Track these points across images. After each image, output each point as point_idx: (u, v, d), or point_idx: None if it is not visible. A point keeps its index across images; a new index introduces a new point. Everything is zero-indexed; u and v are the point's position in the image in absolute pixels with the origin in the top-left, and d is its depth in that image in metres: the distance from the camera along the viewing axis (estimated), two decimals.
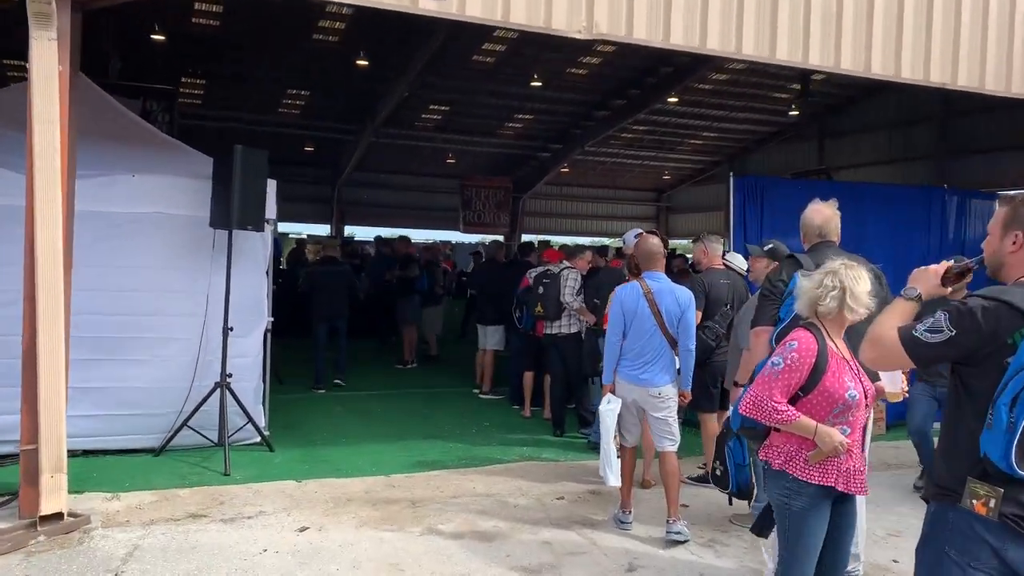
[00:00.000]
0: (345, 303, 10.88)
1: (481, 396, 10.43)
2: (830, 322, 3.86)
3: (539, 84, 25.13)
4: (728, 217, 8.61)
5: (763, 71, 25.53)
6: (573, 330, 8.45)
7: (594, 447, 7.84)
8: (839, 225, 5.05)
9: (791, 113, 28.29)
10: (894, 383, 4.37)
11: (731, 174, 8.51)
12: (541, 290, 8.49)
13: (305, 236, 28.07)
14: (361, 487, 6.57)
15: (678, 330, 5.81)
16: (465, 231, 31.01)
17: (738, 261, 7.69)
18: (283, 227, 31.44)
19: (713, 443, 7.28)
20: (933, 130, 25.64)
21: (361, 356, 12.56)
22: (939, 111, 25.40)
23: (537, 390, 9.36)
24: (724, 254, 8.13)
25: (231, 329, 7.20)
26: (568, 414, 8.76)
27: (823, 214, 4.99)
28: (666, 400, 5.83)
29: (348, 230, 32.94)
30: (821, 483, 3.68)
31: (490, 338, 10.45)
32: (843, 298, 3.77)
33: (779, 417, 3.64)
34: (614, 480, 5.83)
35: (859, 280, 3.81)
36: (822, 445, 3.69)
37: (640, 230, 8.01)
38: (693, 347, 5.89)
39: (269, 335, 7.80)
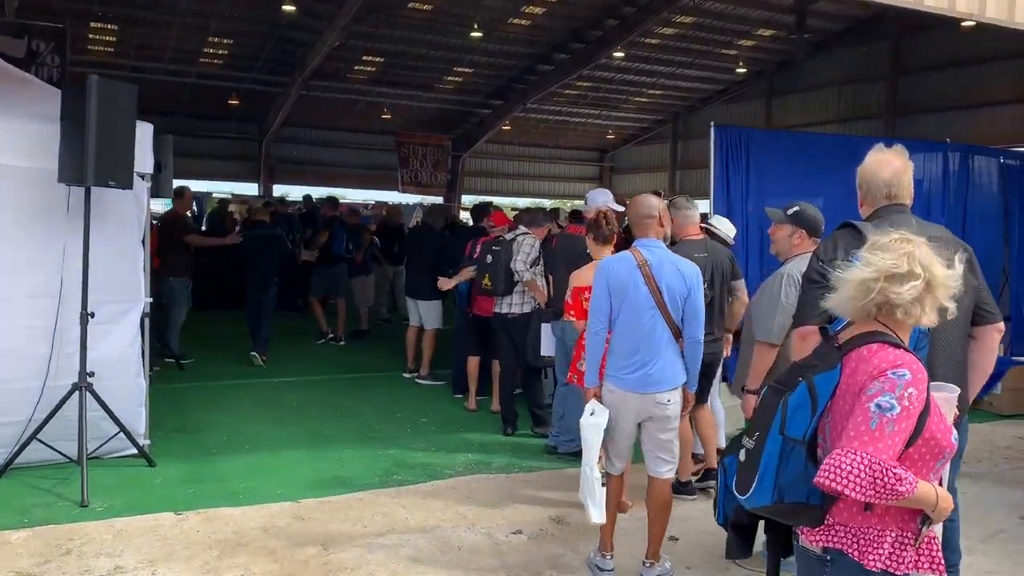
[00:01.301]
0: (273, 272, 9.82)
1: (418, 382, 8.87)
2: (900, 326, 2.46)
3: (479, 35, 23.31)
4: (712, 176, 7.15)
5: (711, 26, 24.15)
6: (526, 309, 6.93)
7: (552, 451, 6.41)
8: (912, 182, 3.60)
9: (739, 70, 27.01)
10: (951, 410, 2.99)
11: (712, 124, 7.06)
12: (489, 259, 6.91)
13: (230, 196, 25.89)
14: (259, 521, 4.99)
15: (683, 315, 4.34)
16: (403, 191, 29.10)
17: (724, 226, 6.26)
18: (207, 186, 29.17)
19: (710, 439, 5.96)
20: (883, 89, 24.63)
21: (284, 333, 10.81)
22: (889, 70, 24.40)
23: (485, 377, 7.83)
24: (707, 218, 6.71)
25: (91, 315, 5.49)
26: (520, 406, 7.27)
27: (892, 166, 3.51)
28: (673, 409, 4.38)
29: (278, 189, 30.78)
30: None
31: (427, 315, 8.86)
32: (924, 291, 2.37)
33: (902, 490, 2.20)
34: (599, 516, 4.38)
35: (943, 264, 2.43)
36: (937, 517, 2.33)
37: (607, 191, 6.53)
38: (702, 336, 4.43)
39: (148, 320, 6.10)
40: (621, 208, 6.46)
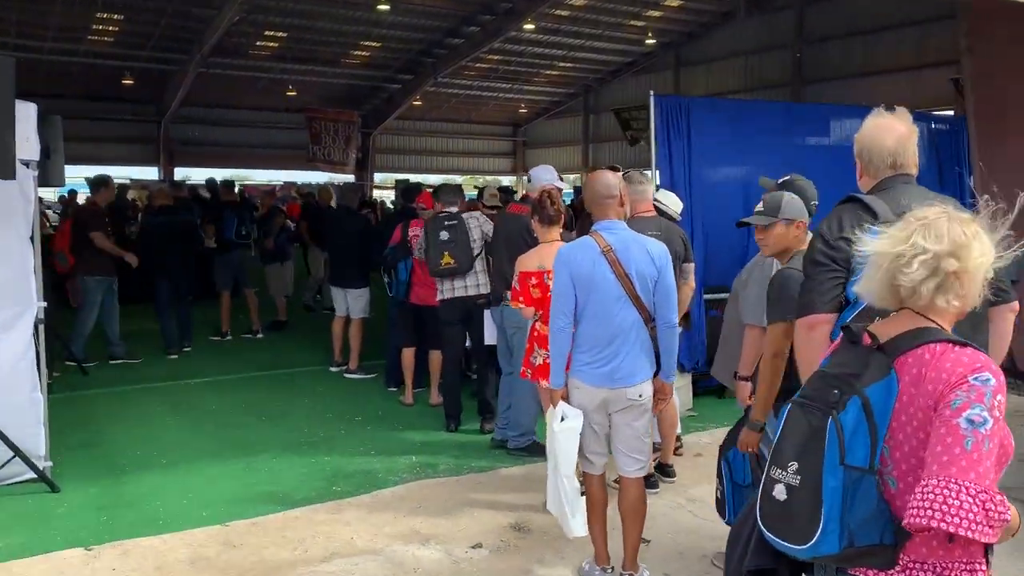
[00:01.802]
0: (187, 259, 9.26)
1: (347, 376, 8.24)
2: (944, 316, 2.08)
3: (386, 8, 22.43)
4: (652, 147, 6.74)
5: None
6: (484, 291, 6.37)
7: (500, 446, 5.95)
8: (917, 150, 3.21)
9: (647, 41, 26.85)
10: None
11: (651, 92, 6.64)
12: (446, 236, 6.21)
13: (128, 181, 24.39)
14: (184, 552, 4.36)
15: (655, 299, 3.90)
16: (318, 168, 27.95)
17: (671, 201, 5.85)
18: (103, 171, 27.50)
19: (668, 434, 5.59)
20: (788, 58, 24.81)
21: (196, 328, 9.90)
22: (794, 39, 24.59)
23: (420, 369, 7.27)
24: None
25: None
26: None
27: (896, 132, 3.09)
28: (646, 404, 3.95)
29: (179, 173, 29.25)
30: None
31: (355, 304, 8.23)
32: (966, 273, 2.02)
33: (1008, 517, 1.81)
34: (580, 528, 3.92)
35: (979, 240, 2.05)
36: (1007, 535, 1.96)
37: (550, 168, 6.03)
38: (676, 321, 4.00)
39: (42, 327, 5.33)
40: (565, 186, 6.00)
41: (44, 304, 5.29)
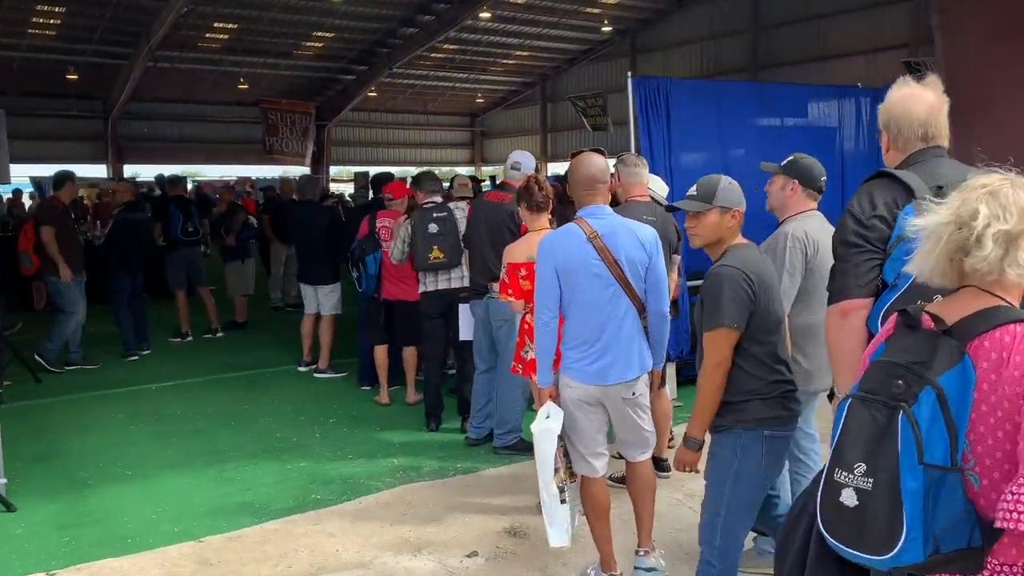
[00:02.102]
0: (145, 257, 9.02)
1: (316, 376, 7.88)
2: (1009, 291, 1.88)
3: None
4: (631, 131, 6.49)
5: None
6: (467, 283, 5.99)
7: (475, 444, 5.68)
8: (947, 121, 3.00)
9: (604, 29, 26.69)
10: None
11: (629, 75, 6.40)
12: (435, 229, 5.86)
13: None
14: (156, 572, 4.00)
15: (645, 287, 3.66)
16: (274, 161, 27.31)
17: (657, 186, 5.62)
18: (49, 170, 26.54)
19: (663, 427, 5.36)
20: (745, 43, 24.84)
21: (153, 328, 9.41)
22: (751, 24, 24.62)
23: (394, 366, 6.96)
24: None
25: None
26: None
27: (926, 101, 2.87)
28: (644, 398, 3.73)
29: (129, 170, 28.38)
30: None
31: (326, 301, 7.87)
32: None
33: None
34: (559, 538, 3.67)
35: None
36: None
37: (528, 154, 5.76)
38: (668, 310, 3.77)
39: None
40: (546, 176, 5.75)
41: None
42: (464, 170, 35.21)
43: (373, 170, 28.96)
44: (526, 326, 4.41)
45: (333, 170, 31.99)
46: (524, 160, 5.59)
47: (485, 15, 23.97)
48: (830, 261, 3.97)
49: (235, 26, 24.00)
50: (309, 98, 28.85)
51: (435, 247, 5.81)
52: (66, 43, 23.21)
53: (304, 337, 8.09)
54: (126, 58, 24.14)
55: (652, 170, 6.36)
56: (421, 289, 6.03)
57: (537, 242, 4.30)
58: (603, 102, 25.44)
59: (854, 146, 7.45)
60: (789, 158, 3.87)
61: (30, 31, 22.11)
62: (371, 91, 28.80)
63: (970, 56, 7.93)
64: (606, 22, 26.10)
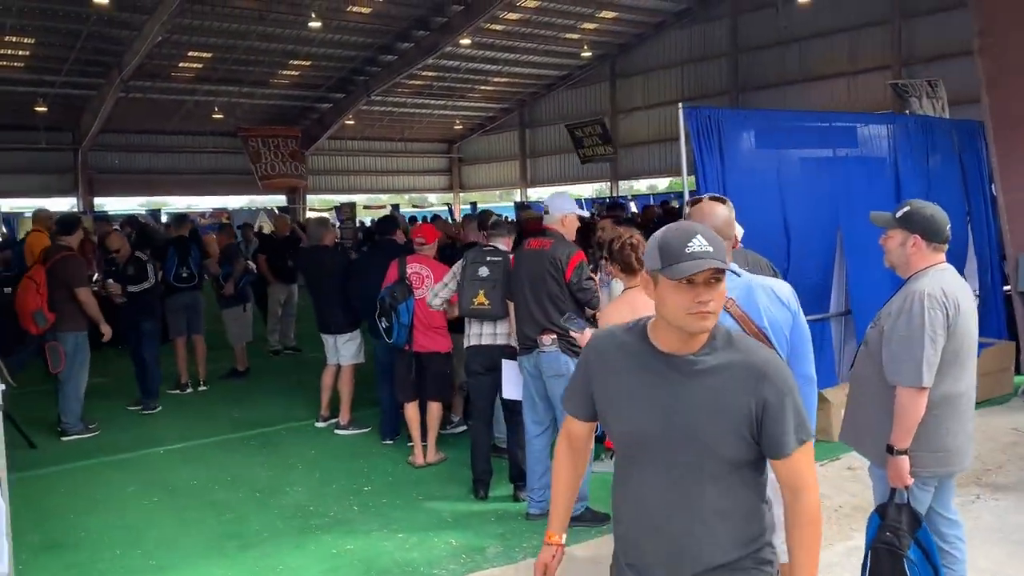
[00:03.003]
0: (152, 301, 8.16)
1: (338, 432, 7.25)
2: None
3: (317, 25, 21.42)
4: (683, 161, 6.01)
5: (555, 10, 23.36)
6: (512, 342, 5.34)
7: (537, 518, 5.07)
8: None
9: (583, 54, 26.44)
10: None
11: (680, 105, 5.91)
12: (485, 273, 5.28)
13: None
14: None
15: (789, 349, 3.14)
16: (265, 189, 26.57)
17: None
18: (14, 204, 25.57)
19: None
20: (725, 67, 24.73)
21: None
22: (730, 47, 24.52)
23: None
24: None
25: None
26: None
27: None
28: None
29: (99, 202, 27.49)
30: None
31: (346, 350, 7.27)
32: None
33: None
34: None
35: None
36: None
37: (567, 195, 5.29)
38: (814, 373, 3.24)
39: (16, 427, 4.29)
40: (586, 214, 5.30)
41: (2, 387, 4.24)
42: (433, 196, 34.70)
43: (347, 199, 28.39)
44: None
45: (311, 199, 31.27)
46: (555, 202, 5.18)
47: (465, 41, 23.58)
48: (973, 321, 3.55)
49: (210, 55, 23.36)
50: (286, 126, 28.24)
51: (481, 292, 5.27)
52: (35, 74, 22.40)
53: (324, 390, 7.45)
54: (96, 88, 23.37)
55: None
56: (467, 344, 5.46)
57: (644, 302, 3.79)
58: (602, 128, 25.14)
59: (909, 174, 7.02)
60: (904, 208, 3.35)
61: None
62: (348, 119, 28.23)
63: (1012, 77, 7.65)
64: (586, 47, 25.86)
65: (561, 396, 4.77)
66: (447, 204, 30.55)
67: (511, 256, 5.34)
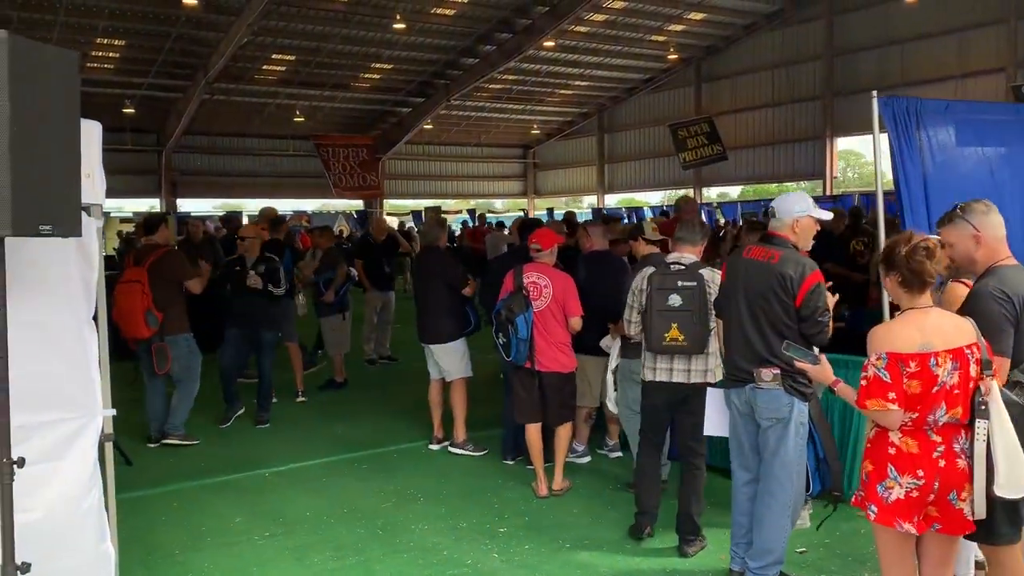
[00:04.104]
0: (268, 305, 7.45)
1: (452, 451, 6.54)
2: None
3: (402, 26, 20.93)
4: (877, 156, 5.13)
5: (643, 11, 22.48)
6: (712, 378, 4.52)
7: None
8: None
9: (669, 57, 25.47)
10: None
11: (875, 94, 5.06)
12: (678, 302, 4.38)
13: (132, 215, 22.60)
14: None
15: None
16: (338, 195, 26.28)
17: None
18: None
19: None
20: (820, 69, 23.51)
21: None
22: (825, 49, 23.30)
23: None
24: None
25: (18, 463, 2.99)
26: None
27: None
28: None
29: (183, 204, 27.50)
30: None
31: (449, 363, 6.54)
32: None
33: None
34: None
35: None
36: None
37: (792, 195, 4.28)
38: None
39: (113, 443, 3.66)
40: (828, 216, 4.33)
41: (113, 412, 3.59)
42: (504, 203, 33.91)
43: (428, 203, 27.87)
44: (891, 449, 3.00)
45: (390, 203, 30.89)
46: (785, 203, 4.09)
47: (549, 44, 22.85)
48: None
49: (293, 58, 23.10)
50: (364, 131, 27.90)
51: (674, 326, 4.39)
52: (123, 76, 22.40)
53: (433, 408, 6.74)
54: (182, 91, 23.31)
55: (908, 201, 5.02)
56: (648, 376, 4.61)
57: (936, 324, 2.95)
58: (710, 127, 24.04)
59: None
60: None
61: (88, 64, 21.26)
62: (427, 123, 27.73)
63: None
64: (672, 49, 24.89)
65: (776, 450, 3.92)
66: (522, 210, 29.77)
67: (722, 264, 4.40)
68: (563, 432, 5.68)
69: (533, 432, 5.73)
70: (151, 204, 28.51)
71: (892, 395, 2.89)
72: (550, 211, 26.24)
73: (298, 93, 25.00)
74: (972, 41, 20.41)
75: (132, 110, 23.55)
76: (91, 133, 3.31)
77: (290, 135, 27.63)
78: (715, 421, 4.31)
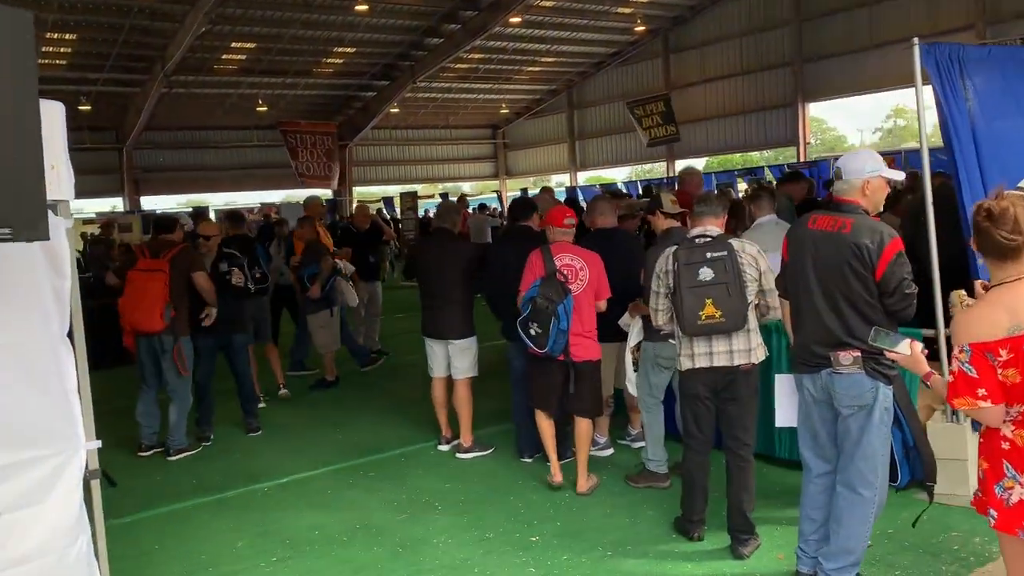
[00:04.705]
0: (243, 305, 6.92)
1: (460, 456, 6.03)
2: None
3: (364, 8, 20.19)
4: (920, 107, 4.69)
5: None
6: (755, 358, 4.10)
7: None
8: None
9: (636, 29, 24.96)
10: None
11: (916, 40, 4.62)
12: (708, 274, 3.91)
13: (94, 215, 21.72)
14: None
15: None
16: (305, 185, 25.48)
17: None
18: None
19: None
20: (789, 36, 23.13)
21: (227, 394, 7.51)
22: (793, 15, 22.91)
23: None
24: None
25: None
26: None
27: None
28: None
29: (146, 202, 26.56)
30: None
31: (460, 360, 6.01)
32: None
33: None
34: None
35: None
36: None
37: (859, 153, 3.74)
38: None
39: (98, 481, 3.12)
40: (899, 176, 3.86)
41: (98, 444, 3.05)
42: (473, 186, 33.25)
43: (397, 189, 27.18)
44: (1004, 444, 2.58)
45: (358, 191, 30.16)
46: (852, 162, 3.55)
47: (515, 20, 22.23)
48: None
49: (253, 45, 22.24)
50: (329, 118, 27.10)
51: (708, 302, 3.92)
52: (78, 72, 21.41)
53: (438, 407, 6.22)
54: (140, 85, 22.38)
55: (960, 156, 4.61)
56: (686, 365, 4.14)
57: None
58: (665, 107, 23.66)
59: None
60: None
61: (40, 61, 20.22)
62: (393, 107, 26.99)
63: None
64: (638, 21, 24.38)
65: (859, 439, 3.44)
66: (495, 191, 29.21)
67: (783, 238, 3.85)
68: (586, 427, 5.23)
69: (546, 421, 5.29)
70: (113, 204, 27.56)
71: (982, 391, 2.45)
72: (524, 191, 25.73)
73: (260, 82, 24.16)
74: (941, 1, 20.15)
75: (88, 107, 22.58)
76: (53, 116, 2.79)
77: (254, 125, 26.77)
78: (787, 411, 3.87)
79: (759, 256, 4.04)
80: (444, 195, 25.08)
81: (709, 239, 4.05)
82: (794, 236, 3.72)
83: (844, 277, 3.44)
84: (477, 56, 25.22)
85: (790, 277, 3.72)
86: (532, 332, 5.05)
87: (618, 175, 32.10)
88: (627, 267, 5.46)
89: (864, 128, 45.15)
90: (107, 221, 18.81)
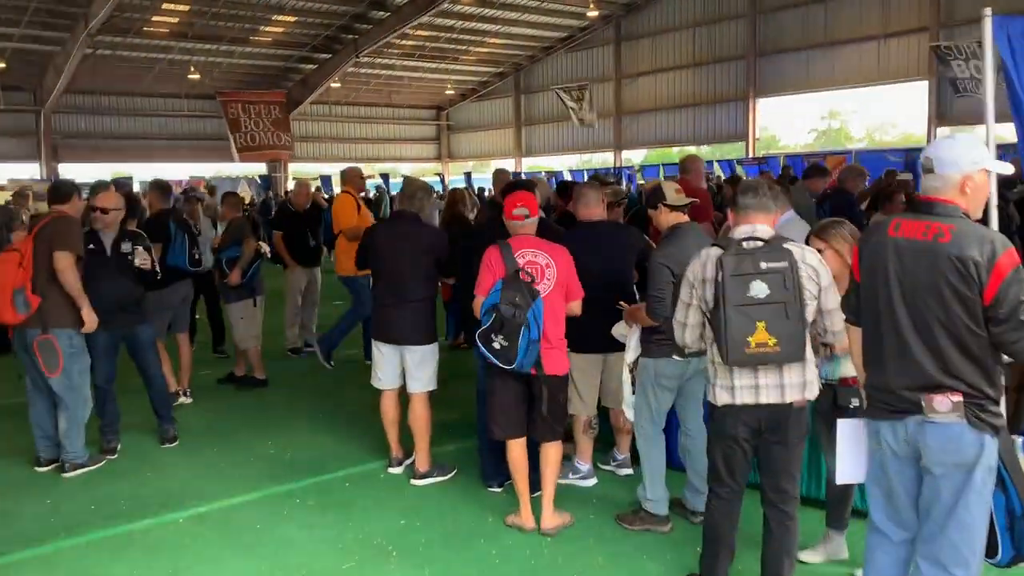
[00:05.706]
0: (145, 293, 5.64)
1: (415, 483, 5.05)
2: None
3: None
4: (988, 84, 3.91)
5: None
6: (810, 393, 3.18)
7: None
8: None
9: (590, 13, 24.13)
10: None
11: (988, 11, 3.86)
12: (763, 291, 2.97)
13: (6, 182, 19.88)
14: None
15: None
16: (242, 159, 23.91)
17: None
18: None
19: None
20: (744, 29, 22.63)
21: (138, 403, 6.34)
22: (749, 8, 22.42)
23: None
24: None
25: None
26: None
27: None
28: None
29: (66, 170, 24.64)
30: None
31: (419, 370, 4.99)
32: None
33: None
34: None
35: None
36: None
37: (970, 136, 2.86)
38: None
39: None
40: (1009, 169, 3.04)
41: None
42: (412, 167, 32.04)
43: (333, 167, 25.83)
44: None
45: (293, 168, 28.68)
46: (947, 152, 2.66)
47: None
48: None
49: (186, 8, 20.66)
50: (266, 90, 25.59)
51: (760, 325, 3.00)
52: None
53: (388, 425, 5.16)
54: (61, 44, 20.58)
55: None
56: (723, 399, 3.24)
57: None
58: (586, 95, 23.28)
59: None
60: None
61: None
62: (334, 82, 25.63)
63: None
64: (591, 6, 23.54)
65: (953, 507, 2.60)
66: (438, 174, 28.10)
67: (853, 245, 3.05)
68: (555, 452, 4.30)
69: (518, 450, 4.31)
70: (30, 171, 25.53)
71: None
72: (467, 175, 24.74)
73: (193, 48, 22.55)
74: (895, 1, 19.88)
75: (2, 64, 20.67)
76: None
77: (185, 94, 25.09)
78: (851, 464, 2.99)
79: (820, 267, 3.15)
80: (386, 176, 23.91)
81: (761, 243, 3.13)
82: (869, 245, 2.83)
83: (943, 299, 2.58)
84: (424, 33, 24.07)
85: (865, 298, 2.84)
86: (496, 346, 4.09)
87: (565, 163, 31.32)
88: (616, 265, 4.60)
89: (799, 129, 45.35)
90: (19, 189, 17.13)
